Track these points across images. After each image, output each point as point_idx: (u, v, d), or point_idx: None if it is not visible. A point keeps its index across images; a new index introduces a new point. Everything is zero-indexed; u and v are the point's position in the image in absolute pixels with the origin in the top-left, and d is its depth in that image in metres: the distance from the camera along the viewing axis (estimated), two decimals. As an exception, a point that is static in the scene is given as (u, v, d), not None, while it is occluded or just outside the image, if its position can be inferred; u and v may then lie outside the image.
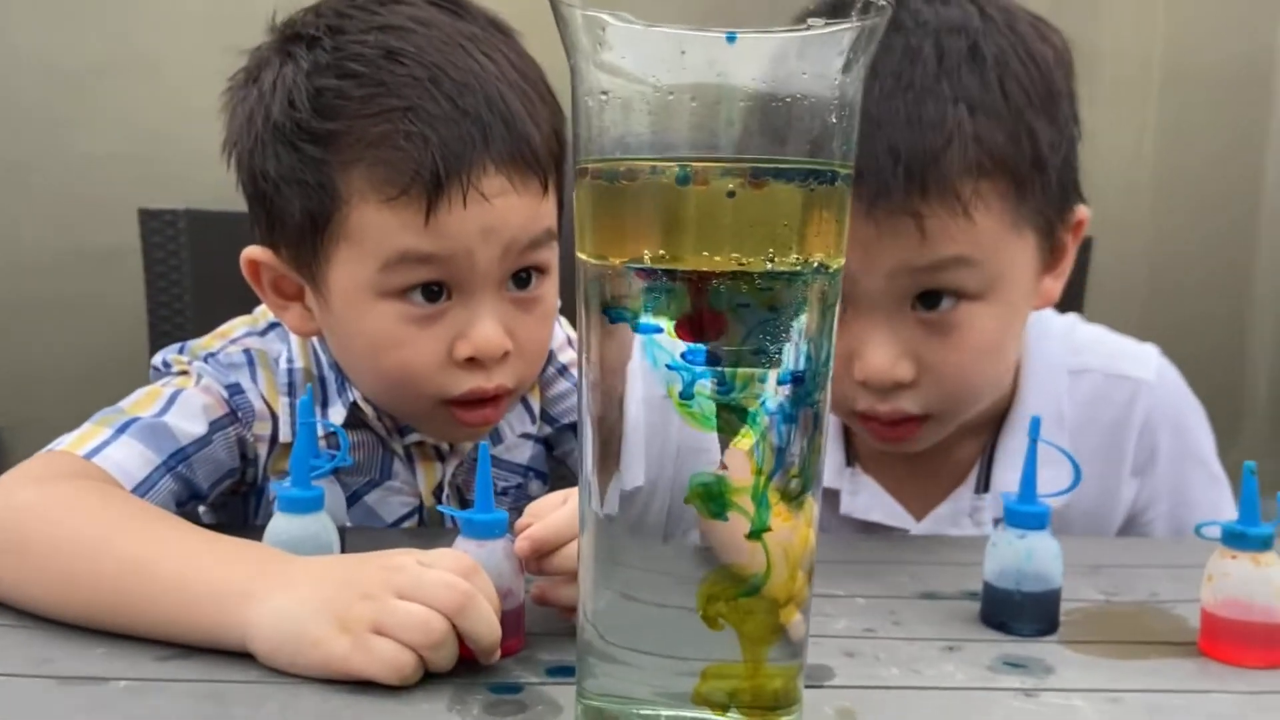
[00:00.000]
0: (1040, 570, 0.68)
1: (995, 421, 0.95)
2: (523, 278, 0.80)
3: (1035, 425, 0.69)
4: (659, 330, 0.49)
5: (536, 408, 0.94)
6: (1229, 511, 0.98)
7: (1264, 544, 0.64)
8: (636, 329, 0.49)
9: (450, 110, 0.75)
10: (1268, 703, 0.59)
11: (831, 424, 0.96)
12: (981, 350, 0.84)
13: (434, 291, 0.78)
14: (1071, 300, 1.89)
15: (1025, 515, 0.68)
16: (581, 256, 0.50)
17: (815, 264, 0.48)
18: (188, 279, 1.80)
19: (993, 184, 0.79)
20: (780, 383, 0.49)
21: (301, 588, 0.60)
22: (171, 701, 0.56)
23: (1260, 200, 2.28)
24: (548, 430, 0.95)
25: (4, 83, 2.15)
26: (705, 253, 0.47)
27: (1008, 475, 0.93)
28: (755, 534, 0.50)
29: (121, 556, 0.63)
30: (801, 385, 0.50)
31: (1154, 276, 2.28)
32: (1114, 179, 2.28)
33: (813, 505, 0.52)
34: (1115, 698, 0.59)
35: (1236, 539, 0.65)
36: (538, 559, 0.63)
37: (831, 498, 0.95)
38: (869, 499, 0.95)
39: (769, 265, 0.47)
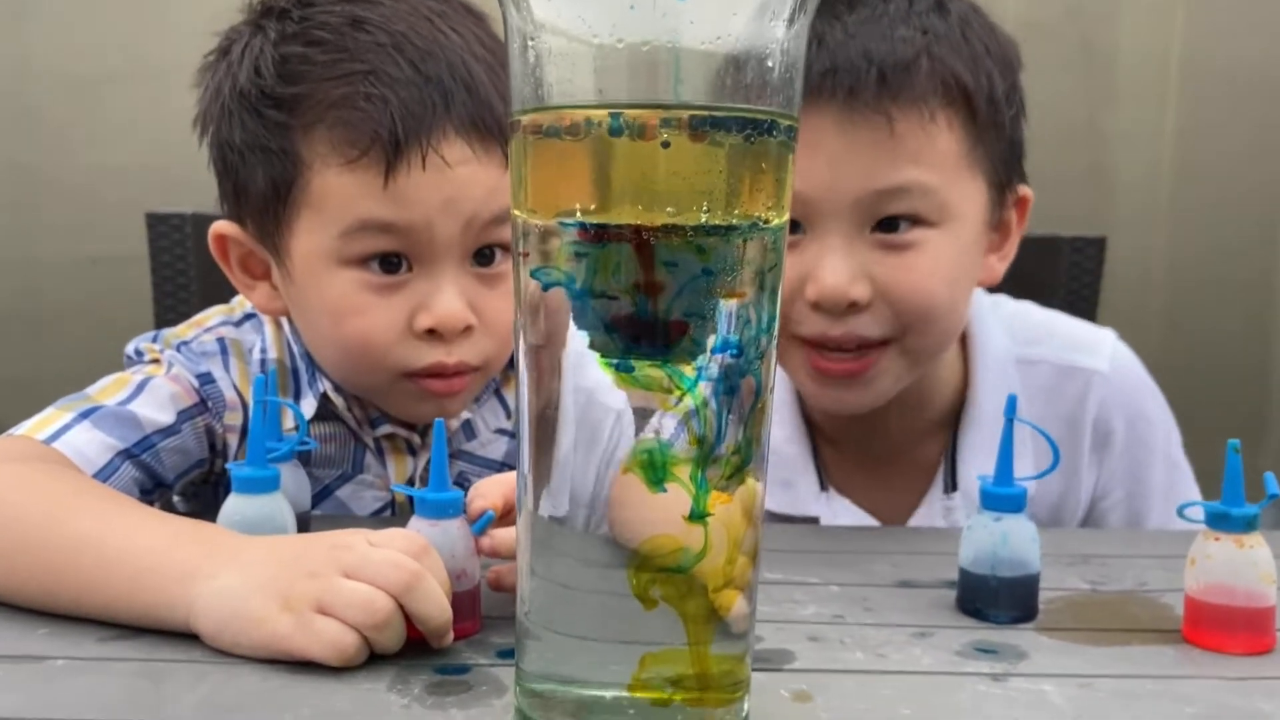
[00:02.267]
0: (1016, 555, 0.66)
1: (952, 420, 0.96)
2: (486, 254, 0.79)
3: (1011, 404, 0.67)
4: (594, 295, 0.47)
5: (513, 403, 0.92)
6: (1180, 481, 0.99)
7: (1248, 525, 0.62)
8: (572, 295, 0.48)
9: (412, 74, 0.75)
10: (1246, 689, 0.56)
11: (802, 450, 0.97)
12: (936, 273, 0.84)
13: (394, 263, 0.77)
14: (1087, 299, 1.86)
15: (1001, 498, 0.66)
16: (516, 214, 0.49)
17: (753, 219, 0.46)
18: (195, 283, 1.80)
19: (953, 111, 0.83)
20: (716, 351, 0.47)
21: (247, 566, 0.58)
22: (107, 680, 0.54)
23: (1281, 199, 2.24)
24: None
25: (18, 92, 2.17)
26: (639, 207, 0.45)
27: (972, 471, 0.93)
28: (695, 518, 0.48)
29: (68, 533, 0.62)
30: (740, 353, 0.48)
31: (1173, 276, 2.24)
32: (1132, 179, 2.26)
33: (755, 487, 0.50)
34: (1086, 683, 0.57)
35: (1220, 520, 0.62)
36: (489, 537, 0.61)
37: (812, 524, 0.95)
38: (847, 519, 0.95)
39: (704, 218, 0.45)
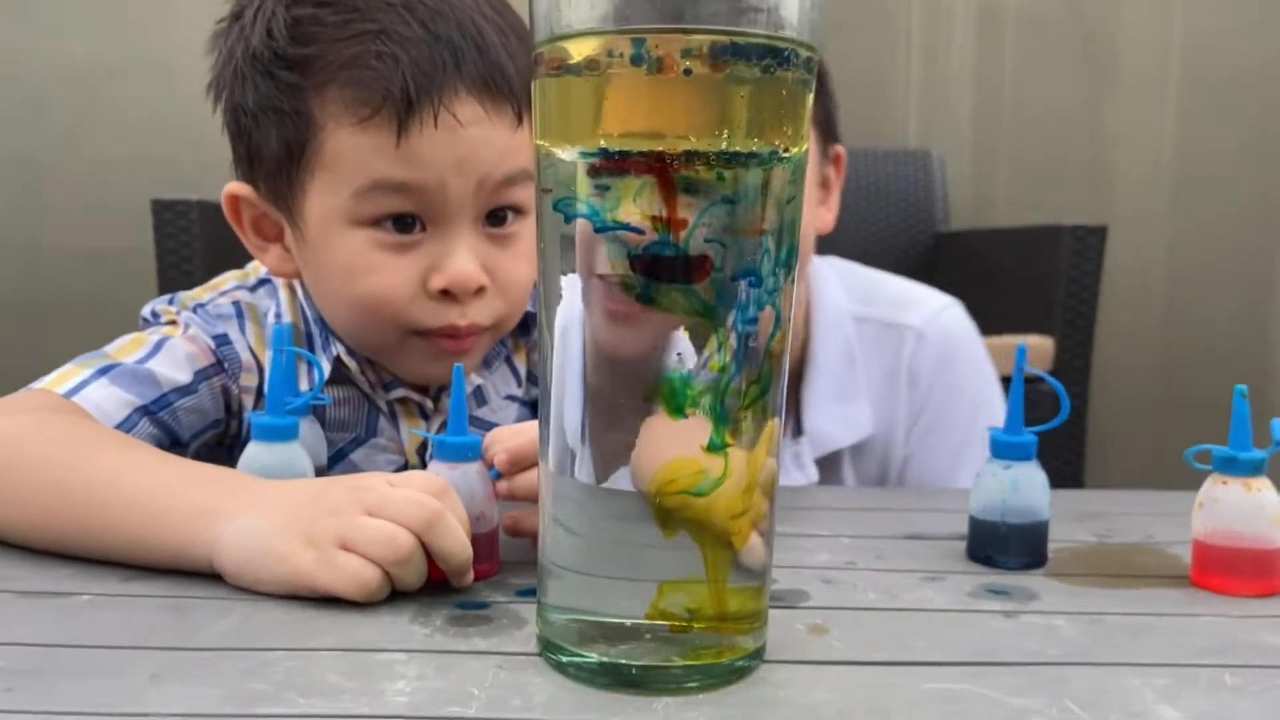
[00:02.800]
0: (1026, 502, 0.66)
1: (795, 373, 1.03)
2: (499, 216, 0.80)
3: (1021, 353, 0.68)
4: (618, 227, 0.48)
5: (523, 370, 0.93)
6: (974, 451, 1.04)
7: (1255, 469, 0.63)
8: (596, 226, 0.49)
9: (422, 33, 0.75)
10: (1254, 625, 0.57)
11: None
12: None
13: (408, 223, 0.78)
14: (1088, 287, 1.87)
15: (1010, 446, 0.67)
16: (540, 145, 0.49)
17: (773, 148, 0.47)
18: (200, 269, 1.81)
19: None
20: (735, 279, 0.48)
21: (269, 506, 0.59)
22: (133, 614, 0.55)
23: (1281, 198, 2.26)
24: (535, 392, 0.94)
25: (23, 85, 2.18)
26: (661, 135, 0.46)
27: (815, 416, 1.01)
28: (714, 448, 0.49)
29: (90, 476, 0.63)
30: (759, 283, 0.49)
31: (1172, 273, 2.26)
32: (1131, 177, 2.27)
33: (775, 424, 0.51)
34: (1097, 619, 0.58)
35: (1228, 464, 0.63)
36: (509, 477, 0.62)
37: None
38: None
39: (724, 146, 0.46)
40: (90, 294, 2.20)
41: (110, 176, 2.20)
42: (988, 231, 2.23)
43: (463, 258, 0.77)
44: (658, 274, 0.48)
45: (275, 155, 0.78)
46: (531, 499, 0.63)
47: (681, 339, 0.48)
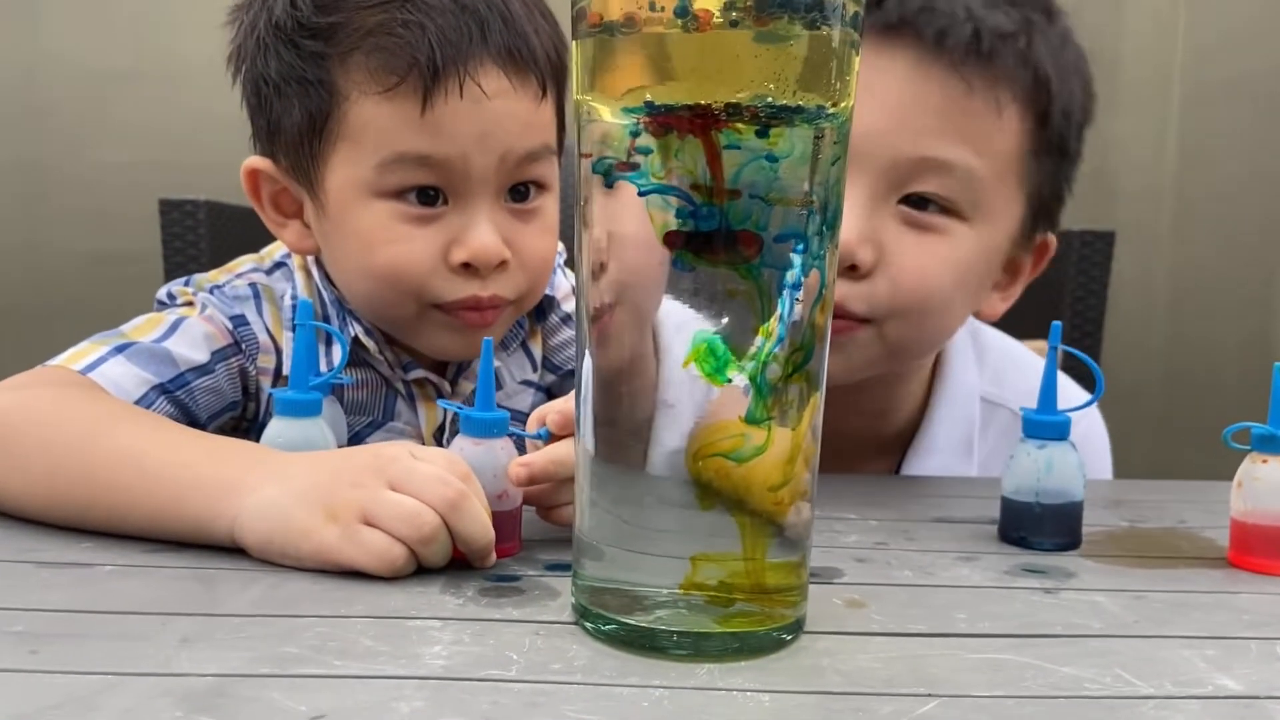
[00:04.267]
0: (1061, 483, 0.65)
1: (903, 444, 0.93)
2: (521, 190, 0.79)
3: (1055, 332, 0.67)
4: (662, 190, 0.47)
5: (538, 355, 0.92)
6: None
7: (1295, 447, 0.62)
8: (640, 189, 0.48)
9: (448, 3, 0.74)
10: (1301, 601, 0.56)
11: None
12: (950, 265, 0.78)
13: (430, 195, 0.77)
14: (1095, 294, 1.86)
15: (1045, 425, 0.66)
16: (580, 101, 0.49)
17: (818, 105, 0.46)
18: (207, 269, 1.80)
19: (1027, 108, 0.78)
20: (779, 240, 0.47)
21: (289, 478, 0.58)
22: (157, 583, 0.54)
23: (1285, 208, 2.26)
24: (550, 378, 0.93)
25: (29, 89, 2.17)
26: (704, 89, 0.45)
27: None
28: (752, 421, 0.48)
29: (110, 449, 0.61)
30: (805, 247, 0.48)
31: (1176, 283, 2.25)
32: (1135, 186, 2.26)
33: (818, 399, 0.50)
34: (1139, 596, 0.57)
35: (1266, 442, 0.62)
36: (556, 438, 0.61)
37: None
38: None
39: (769, 100, 0.45)
40: (96, 298, 2.18)
41: (115, 181, 2.19)
42: (994, 238, 2.23)
43: (484, 231, 0.76)
44: (702, 246, 0.47)
45: (297, 126, 0.77)
46: (548, 479, 0.61)
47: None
